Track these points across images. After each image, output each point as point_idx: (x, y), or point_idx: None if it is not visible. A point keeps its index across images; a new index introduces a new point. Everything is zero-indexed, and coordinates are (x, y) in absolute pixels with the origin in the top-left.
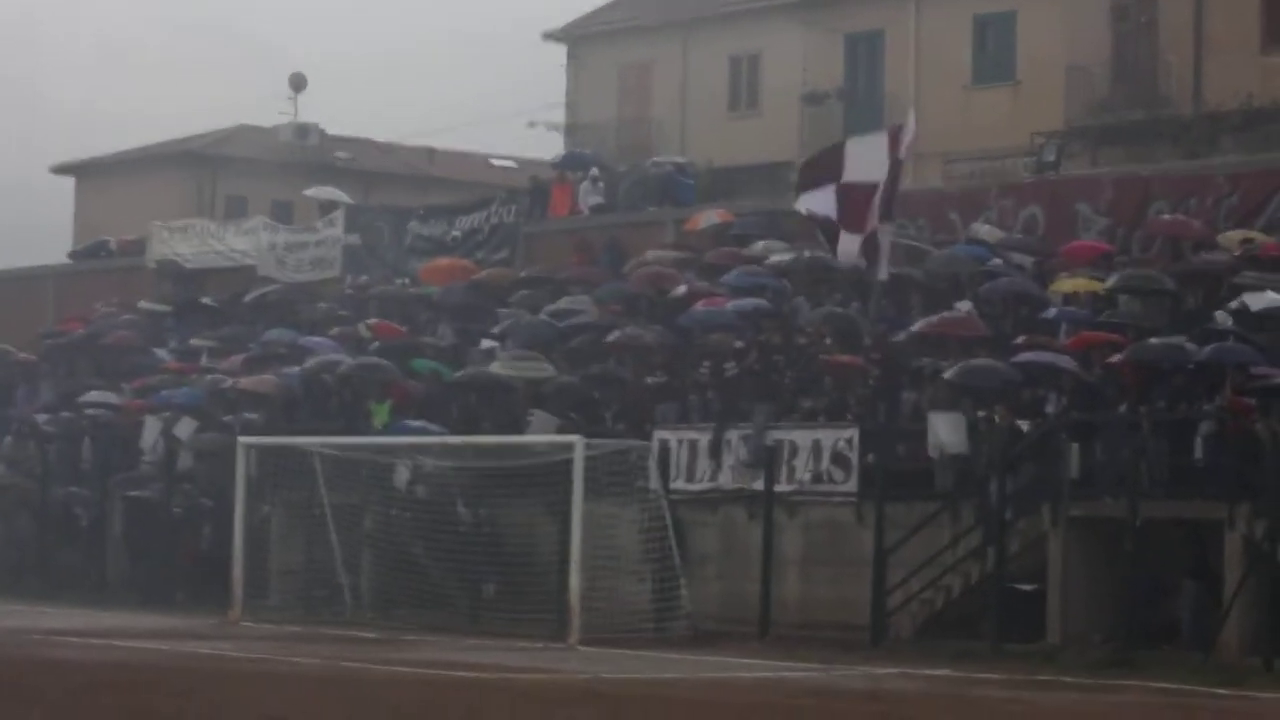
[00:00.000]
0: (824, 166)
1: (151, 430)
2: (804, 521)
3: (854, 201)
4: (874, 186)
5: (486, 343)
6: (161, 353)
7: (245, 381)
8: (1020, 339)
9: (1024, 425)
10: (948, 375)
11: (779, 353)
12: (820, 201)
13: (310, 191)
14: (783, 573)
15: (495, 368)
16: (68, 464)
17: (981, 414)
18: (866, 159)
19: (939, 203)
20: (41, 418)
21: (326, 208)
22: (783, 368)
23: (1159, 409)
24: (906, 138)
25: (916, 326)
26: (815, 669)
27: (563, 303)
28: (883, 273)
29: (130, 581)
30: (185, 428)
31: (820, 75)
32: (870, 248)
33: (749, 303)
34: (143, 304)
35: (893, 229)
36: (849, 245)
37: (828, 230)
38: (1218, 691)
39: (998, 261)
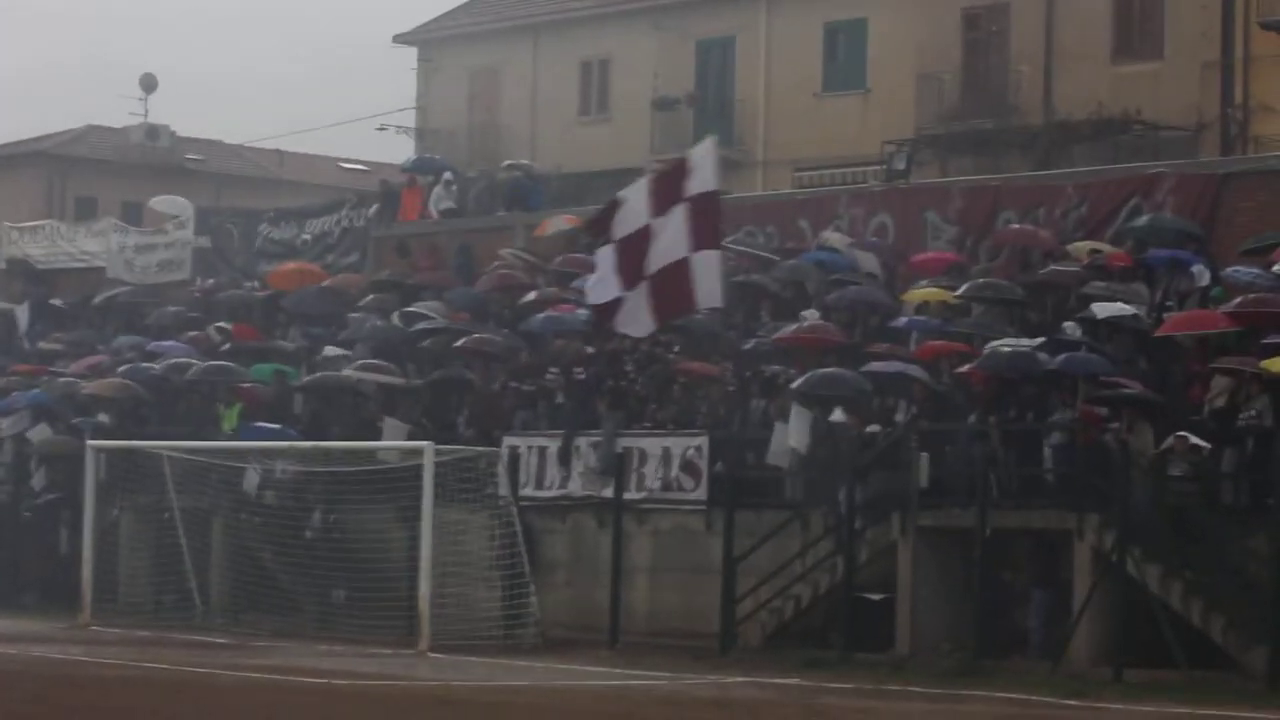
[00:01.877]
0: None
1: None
2: (653, 529)
3: (629, 254)
4: (644, 230)
5: (331, 349)
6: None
7: (93, 385)
8: (874, 347)
9: (874, 433)
10: (796, 384)
11: (627, 360)
12: (606, 283)
13: (153, 202)
14: (632, 581)
15: (344, 373)
16: None
17: (832, 419)
18: (633, 209)
19: (789, 210)
20: None
21: (170, 216)
22: (632, 375)
23: (1009, 418)
24: (708, 160)
25: (775, 335)
26: (664, 677)
27: (413, 308)
28: (715, 299)
29: None
30: (38, 432)
31: (671, 81)
32: (659, 291)
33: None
34: None
35: (719, 255)
36: (635, 306)
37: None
38: (1067, 702)
39: (843, 270)
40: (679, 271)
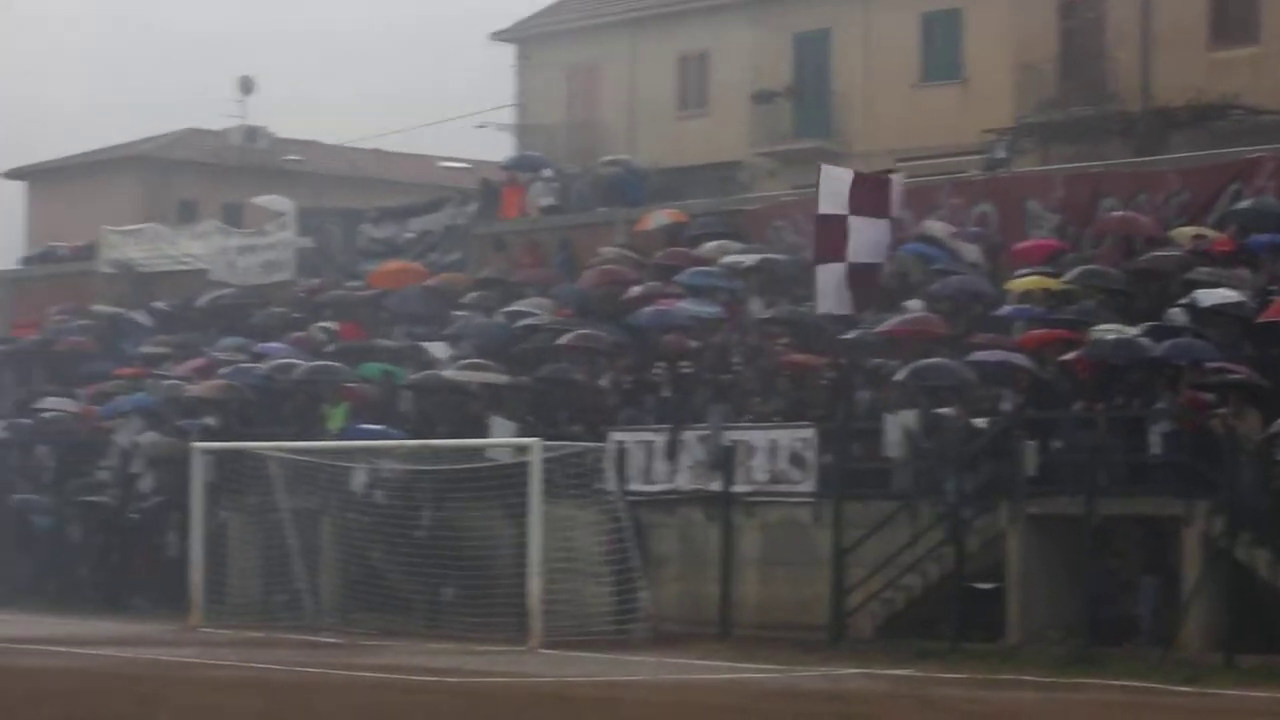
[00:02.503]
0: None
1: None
2: (762, 522)
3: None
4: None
5: (436, 347)
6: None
7: (198, 388)
8: (977, 337)
9: (980, 423)
10: (900, 376)
11: (734, 353)
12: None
13: (257, 200)
14: (742, 573)
15: (448, 373)
16: (25, 471)
17: (938, 412)
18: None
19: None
20: None
21: (274, 215)
22: (738, 368)
23: (1115, 406)
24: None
25: (878, 327)
26: (776, 670)
27: (517, 305)
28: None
29: (89, 588)
30: (147, 436)
31: (769, 74)
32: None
33: (705, 308)
34: (98, 306)
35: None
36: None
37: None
38: (1179, 688)
39: (944, 260)
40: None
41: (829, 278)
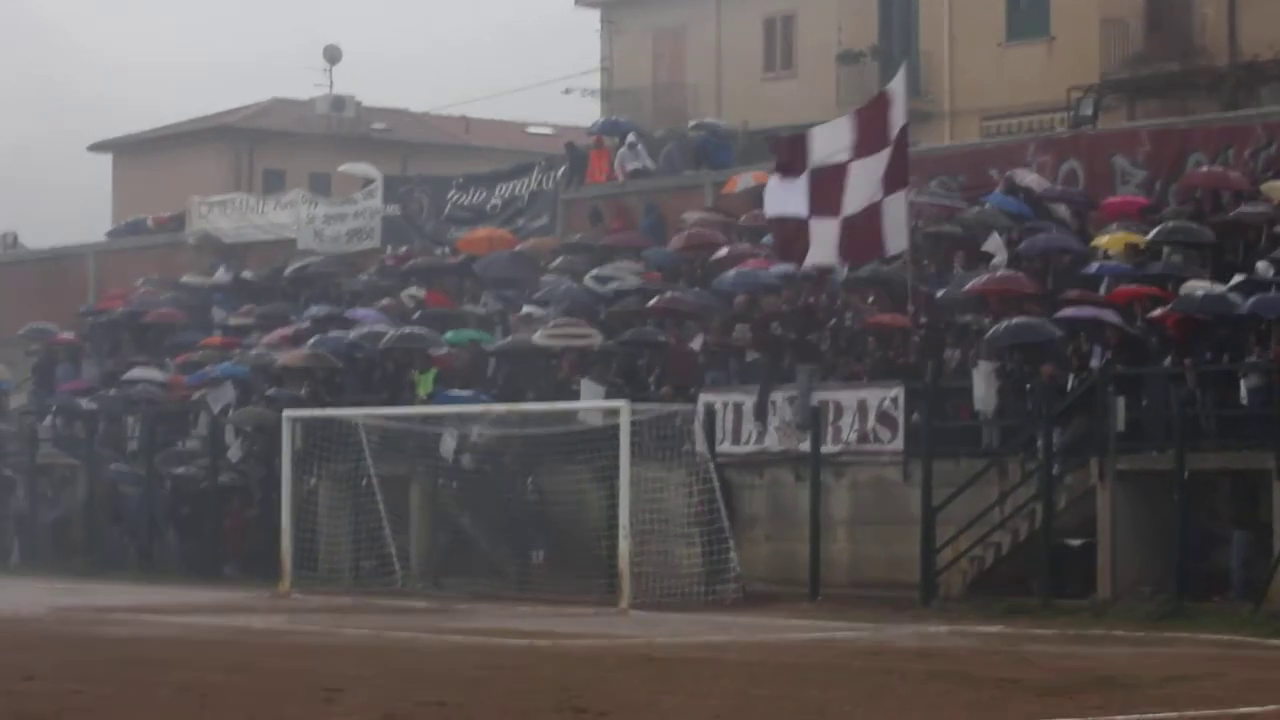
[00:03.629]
0: (790, 156)
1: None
2: (851, 481)
3: (823, 186)
4: (841, 168)
5: (528, 308)
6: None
7: (286, 356)
8: (1066, 294)
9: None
10: (989, 335)
11: (821, 313)
12: (790, 198)
13: (343, 168)
14: (831, 533)
15: (536, 337)
16: (113, 442)
17: (1026, 369)
18: (832, 143)
19: (978, 159)
20: (84, 398)
21: (363, 182)
22: (825, 329)
23: (1204, 361)
24: (897, 99)
25: (966, 286)
26: (867, 628)
27: (605, 269)
28: (901, 243)
29: (179, 557)
30: (220, 398)
31: (855, 35)
32: (851, 234)
33: (789, 268)
34: (186, 278)
35: (908, 195)
36: (824, 236)
37: (787, 232)
38: (1270, 642)
39: (1030, 215)
40: (871, 216)
41: (823, 231)
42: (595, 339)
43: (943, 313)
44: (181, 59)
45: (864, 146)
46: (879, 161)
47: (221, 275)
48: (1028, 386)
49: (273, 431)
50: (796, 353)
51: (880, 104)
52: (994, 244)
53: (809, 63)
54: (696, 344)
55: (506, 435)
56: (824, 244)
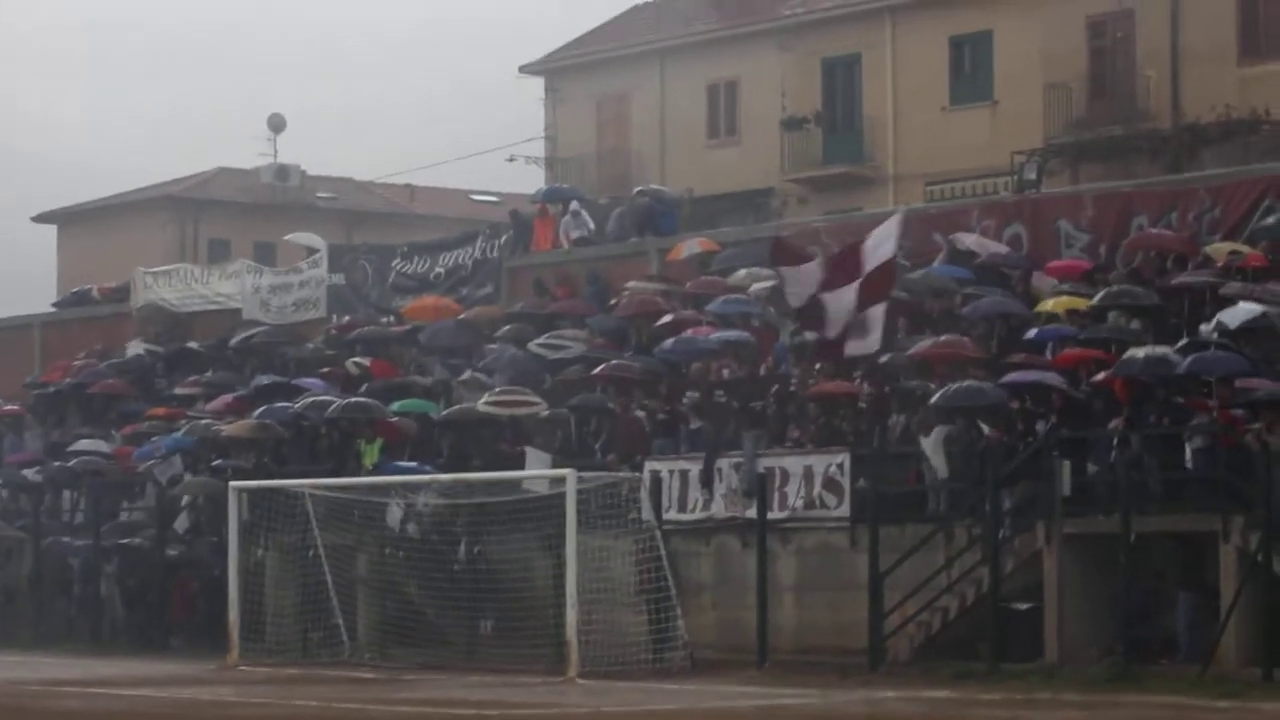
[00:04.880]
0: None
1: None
2: (798, 548)
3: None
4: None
5: (469, 374)
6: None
7: (232, 427)
8: (1011, 358)
9: (1015, 443)
10: (934, 400)
11: (765, 381)
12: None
13: (289, 237)
14: (779, 600)
15: (480, 405)
16: (58, 514)
17: (973, 432)
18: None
19: (922, 224)
20: (29, 470)
21: (308, 251)
22: (770, 395)
23: (1149, 423)
24: (892, 231)
25: (911, 350)
26: (815, 695)
27: (550, 337)
28: (877, 345)
29: (126, 629)
30: (167, 469)
31: (799, 100)
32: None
33: (732, 334)
34: (132, 345)
35: (884, 307)
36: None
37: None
38: (1219, 704)
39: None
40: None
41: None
42: (540, 406)
43: (888, 378)
44: (123, 125)
45: (833, 282)
46: (851, 292)
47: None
48: (976, 450)
49: (219, 502)
50: (741, 419)
51: (854, 251)
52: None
53: (753, 129)
54: (640, 412)
55: (453, 504)
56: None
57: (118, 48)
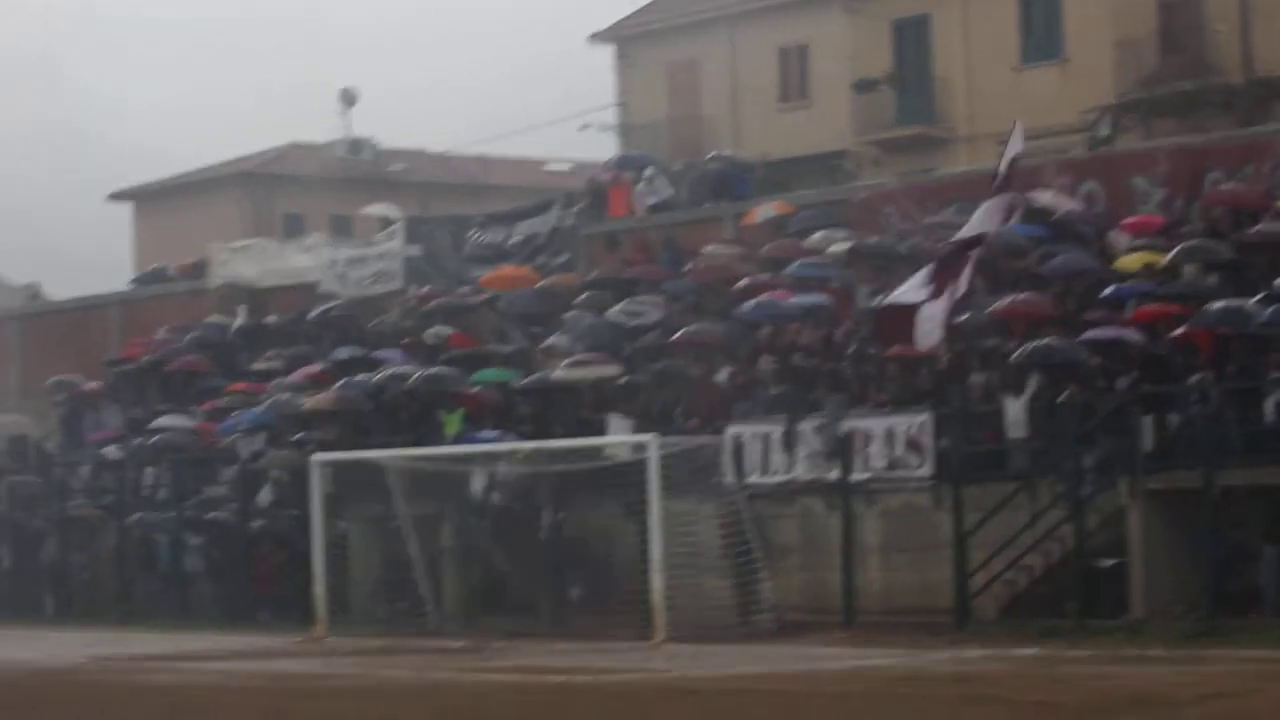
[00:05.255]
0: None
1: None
2: (882, 508)
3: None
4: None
5: (551, 340)
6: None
7: (313, 400)
8: (1089, 315)
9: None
10: (1014, 358)
11: (844, 344)
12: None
13: (365, 210)
14: (864, 561)
15: (559, 373)
16: (141, 491)
17: (1054, 392)
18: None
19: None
20: (110, 448)
21: (384, 223)
22: (849, 357)
23: (1229, 376)
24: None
25: (990, 308)
26: (901, 655)
27: (629, 304)
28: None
29: (212, 604)
30: (249, 444)
31: (869, 63)
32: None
33: (811, 298)
34: (212, 319)
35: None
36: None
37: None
38: None
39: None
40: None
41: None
42: (617, 372)
43: (967, 337)
44: (197, 103)
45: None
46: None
47: (241, 319)
48: (1056, 408)
49: (302, 475)
50: (823, 383)
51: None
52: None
53: (824, 92)
54: (722, 376)
55: (536, 472)
56: (929, 326)
57: (192, 26)
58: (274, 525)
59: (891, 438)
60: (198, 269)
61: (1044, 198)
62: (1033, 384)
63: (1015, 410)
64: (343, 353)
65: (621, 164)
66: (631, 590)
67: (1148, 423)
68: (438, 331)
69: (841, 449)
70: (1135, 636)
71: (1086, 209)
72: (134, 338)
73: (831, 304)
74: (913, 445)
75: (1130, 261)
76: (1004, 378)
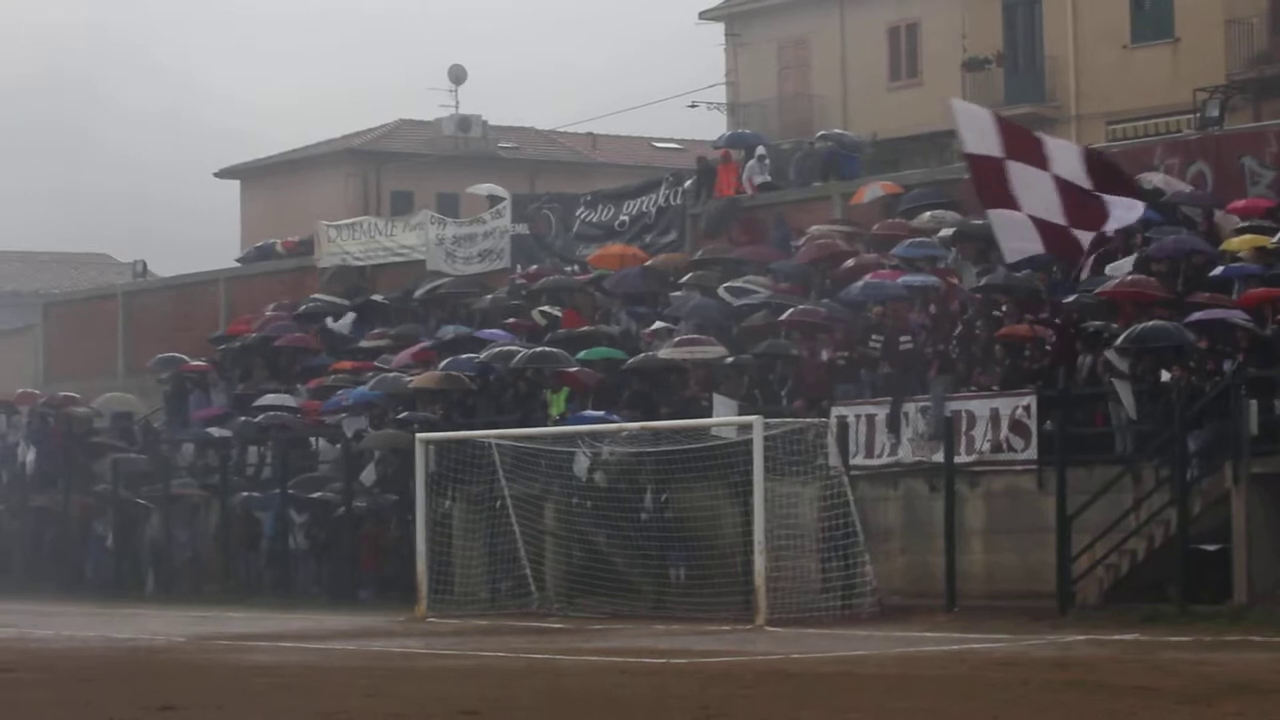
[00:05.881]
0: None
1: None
2: (985, 491)
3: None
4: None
5: (659, 324)
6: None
7: (418, 379)
8: (1196, 297)
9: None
10: (1119, 341)
11: (952, 324)
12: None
13: (472, 189)
14: (966, 544)
15: (663, 353)
16: (246, 469)
17: (1161, 374)
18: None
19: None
20: (215, 426)
21: (491, 201)
22: (955, 339)
23: None
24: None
25: (1097, 289)
26: (1003, 639)
27: (736, 282)
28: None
29: (315, 583)
30: (354, 423)
31: (979, 41)
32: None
33: (919, 278)
34: (318, 296)
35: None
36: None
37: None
38: None
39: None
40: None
41: (1005, 222)
42: (721, 352)
43: (1073, 317)
44: (306, 87)
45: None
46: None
47: (345, 322)
48: (1162, 390)
49: (406, 454)
50: (929, 364)
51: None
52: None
53: (934, 71)
54: (827, 357)
55: (640, 452)
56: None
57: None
58: (377, 504)
59: (996, 420)
60: (304, 246)
61: (1155, 179)
62: (1140, 366)
63: (1126, 393)
64: (448, 331)
65: (731, 142)
66: (734, 572)
67: (1253, 406)
68: (546, 310)
69: (946, 431)
70: (1238, 622)
71: (1196, 190)
72: (240, 315)
73: (939, 284)
74: (1017, 427)
75: (1239, 243)
76: (1110, 361)
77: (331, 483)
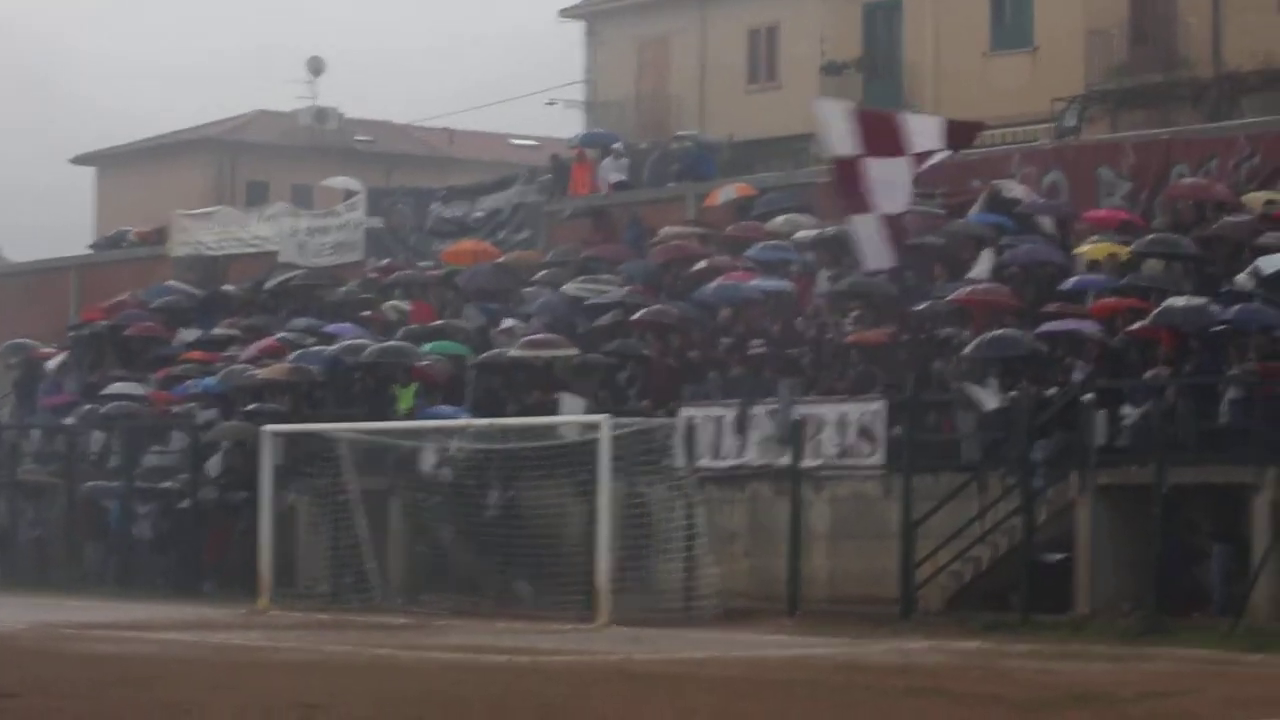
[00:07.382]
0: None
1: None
2: (831, 496)
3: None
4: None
5: (508, 322)
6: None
7: (266, 370)
8: (1048, 306)
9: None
10: (968, 350)
11: (803, 328)
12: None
13: (327, 181)
14: (811, 548)
15: (513, 351)
16: (91, 457)
17: (1008, 385)
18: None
19: (961, 170)
20: (65, 413)
21: (346, 194)
22: (807, 343)
23: (1185, 373)
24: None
25: (949, 296)
26: (845, 644)
27: (587, 280)
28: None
29: (159, 573)
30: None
31: (839, 46)
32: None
33: (773, 282)
34: (172, 282)
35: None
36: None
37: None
38: (1248, 657)
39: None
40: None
41: (865, 232)
42: (573, 352)
43: (925, 324)
44: (163, 66)
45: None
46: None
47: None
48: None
49: (253, 446)
50: (777, 367)
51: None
52: (984, 261)
53: (793, 74)
54: (677, 358)
55: (487, 449)
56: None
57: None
58: (222, 496)
59: (844, 424)
60: (158, 235)
61: (1016, 189)
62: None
63: (980, 390)
64: (298, 324)
65: (587, 141)
66: (578, 572)
67: (1101, 417)
68: (398, 305)
69: (793, 435)
70: (1079, 632)
71: (1052, 200)
72: (92, 303)
73: (792, 289)
74: (865, 433)
75: (1091, 252)
76: (959, 369)
77: (177, 474)
